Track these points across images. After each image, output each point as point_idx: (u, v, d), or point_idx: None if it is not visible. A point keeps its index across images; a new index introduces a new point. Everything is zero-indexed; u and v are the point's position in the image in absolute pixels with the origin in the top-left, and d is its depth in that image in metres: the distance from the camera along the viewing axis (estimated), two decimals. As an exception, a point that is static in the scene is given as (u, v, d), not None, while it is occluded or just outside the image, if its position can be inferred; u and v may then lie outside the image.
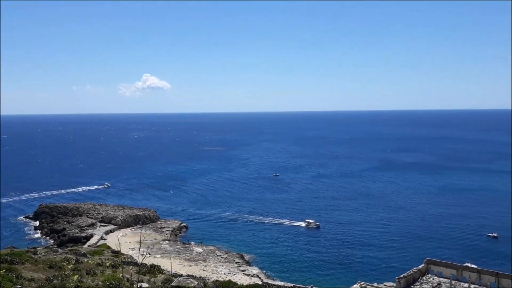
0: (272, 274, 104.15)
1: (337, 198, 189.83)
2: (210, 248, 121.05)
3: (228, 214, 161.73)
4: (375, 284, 71.99)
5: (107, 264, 49.19)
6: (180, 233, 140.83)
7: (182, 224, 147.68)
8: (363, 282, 68.31)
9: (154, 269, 52.95)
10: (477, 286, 65.40)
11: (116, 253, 75.58)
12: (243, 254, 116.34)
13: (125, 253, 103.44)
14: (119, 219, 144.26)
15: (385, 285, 72.41)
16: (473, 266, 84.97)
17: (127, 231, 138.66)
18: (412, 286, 66.10)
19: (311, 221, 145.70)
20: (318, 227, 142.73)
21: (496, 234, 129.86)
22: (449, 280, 66.77)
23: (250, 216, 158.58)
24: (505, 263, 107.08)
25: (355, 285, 67.97)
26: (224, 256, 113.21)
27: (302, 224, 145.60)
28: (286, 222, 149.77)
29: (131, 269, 51.22)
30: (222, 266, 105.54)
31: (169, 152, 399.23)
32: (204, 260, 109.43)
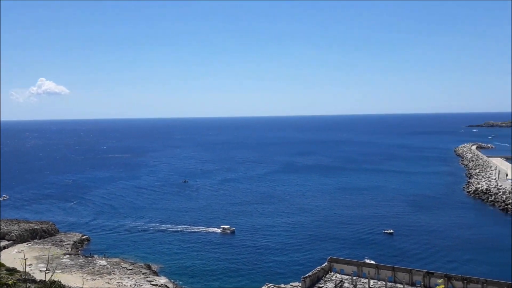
0: (181, 282, 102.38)
1: (247, 202, 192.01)
2: (115, 260, 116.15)
3: (135, 224, 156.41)
4: (282, 285, 73.62)
5: (2, 283, 45.29)
6: (82, 246, 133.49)
7: (84, 237, 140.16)
8: (270, 284, 69.53)
9: (54, 286, 49.54)
10: (375, 280, 69.36)
11: (12, 271, 70.00)
12: (150, 264, 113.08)
13: (21, 270, 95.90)
14: (13, 234, 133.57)
15: (291, 285, 74.32)
16: (372, 262, 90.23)
17: (23, 246, 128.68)
18: (316, 285, 68.45)
19: (226, 227, 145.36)
20: (233, 232, 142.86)
21: (391, 231, 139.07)
22: (350, 277, 70.09)
23: (161, 225, 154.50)
24: (400, 257, 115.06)
25: (263, 287, 68.93)
26: (130, 268, 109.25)
27: (218, 230, 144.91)
28: (201, 229, 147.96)
29: (29, 287, 47.63)
30: (128, 278, 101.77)
31: (69, 160, 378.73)
32: (109, 273, 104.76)
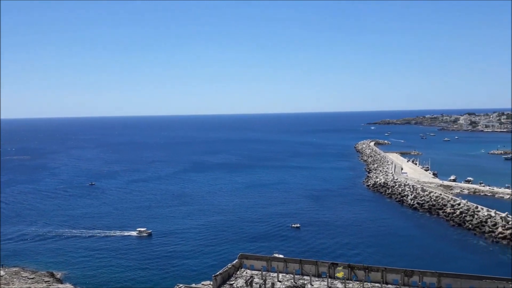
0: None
1: (160, 202, 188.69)
2: (14, 269, 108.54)
3: (38, 231, 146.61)
4: (193, 285, 73.70)
5: None
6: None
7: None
8: (181, 285, 69.30)
9: None
10: (284, 274, 71.93)
11: None
12: (54, 272, 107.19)
13: None
14: None
15: (202, 284, 74.66)
16: (281, 256, 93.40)
17: None
18: (227, 282, 69.47)
19: (142, 229, 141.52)
20: (150, 235, 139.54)
21: (298, 225, 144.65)
22: (260, 272, 72.00)
23: (69, 230, 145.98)
24: (307, 249, 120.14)
25: (174, 288, 68.56)
26: (31, 277, 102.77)
27: (134, 233, 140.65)
28: (115, 233, 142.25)
29: None
30: (29, 287, 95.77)
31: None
32: (7, 284, 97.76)
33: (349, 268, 69.47)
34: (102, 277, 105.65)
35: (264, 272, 72.07)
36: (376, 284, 66.12)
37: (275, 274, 71.31)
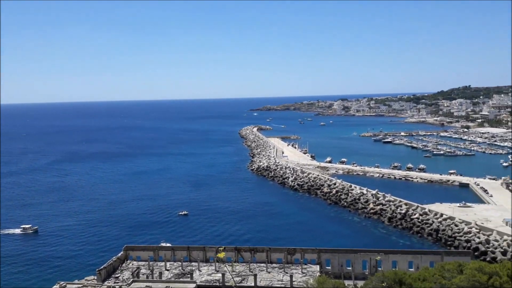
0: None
1: (40, 196, 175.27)
2: None
3: None
4: (76, 281, 69.99)
5: None
6: None
7: None
8: (62, 282, 65.32)
9: None
10: (172, 262, 71.40)
11: None
12: None
13: None
14: None
15: (86, 279, 71.16)
16: (168, 244, 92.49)
17: None
18: (113, 275, 67.09)
19: (26, 226, 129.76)
20: (36, 231, 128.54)
21: (186, 212, 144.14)
22: (147, 263, 70.65)
23: None
24: (196, 236, 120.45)
25: (54, 286, 64.37)
26: None
27: (17, 231, 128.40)
28: None
29: None
30: None
31: None
32: None
33: (236, 251, 71.16)
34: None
35: (151, 262, 70.87)
36: (262, 264, 68.67)
37: (163, 264, 70.53)
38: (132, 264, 71.48)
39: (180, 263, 70.13)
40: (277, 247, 72.82)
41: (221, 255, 51.04)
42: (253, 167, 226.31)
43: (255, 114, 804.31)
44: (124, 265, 71.16)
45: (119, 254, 72.65)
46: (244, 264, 69.19)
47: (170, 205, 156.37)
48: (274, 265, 68.98)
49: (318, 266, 67.70)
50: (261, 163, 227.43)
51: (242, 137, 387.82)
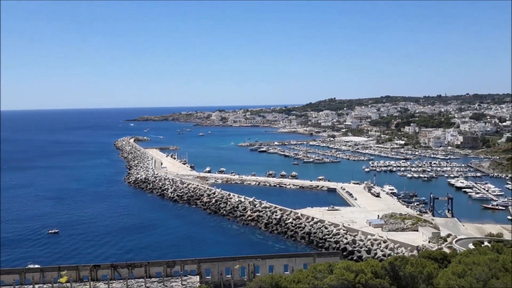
0: None
1: None
2: None
3: None
4: None
5: None
6: None
7: None
8: None
9: None
10: (41, 284, 66.61)
11: None
12: None
13: None
14: None
15: None
16: (37, 266, 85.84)
17: None
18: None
19: None
20: None
21: (56, 230, 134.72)
22: (12, 287, 65.06)
23: None
24: (69, 255, 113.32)
25: None
26: None
27: None
28: None
29: None
30: None
31: None
32: None
33: (112, 268, 68.74)
34: None
35: (17, 286, 65.39)
36: (140, 280, 67.21)
37: (31, 286, 65.51)
38: (-5, 291, 65.28)
39: (51, 285, 65.75)
40: (155, 261, 71.86)
41: (63, 279, 45.47)
42: (130, 180, 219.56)
43: (132, 124, 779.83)
44: (-15, 292, 64.73)
45: (-21, 281, 65.92)
46: (121, 281, 67.07)
47: (38, 223, 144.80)
48: (153, 279, 67.93)
49: (198, 276, 68.16)
50: (139, 175, 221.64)
51: (118, 149, 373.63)
